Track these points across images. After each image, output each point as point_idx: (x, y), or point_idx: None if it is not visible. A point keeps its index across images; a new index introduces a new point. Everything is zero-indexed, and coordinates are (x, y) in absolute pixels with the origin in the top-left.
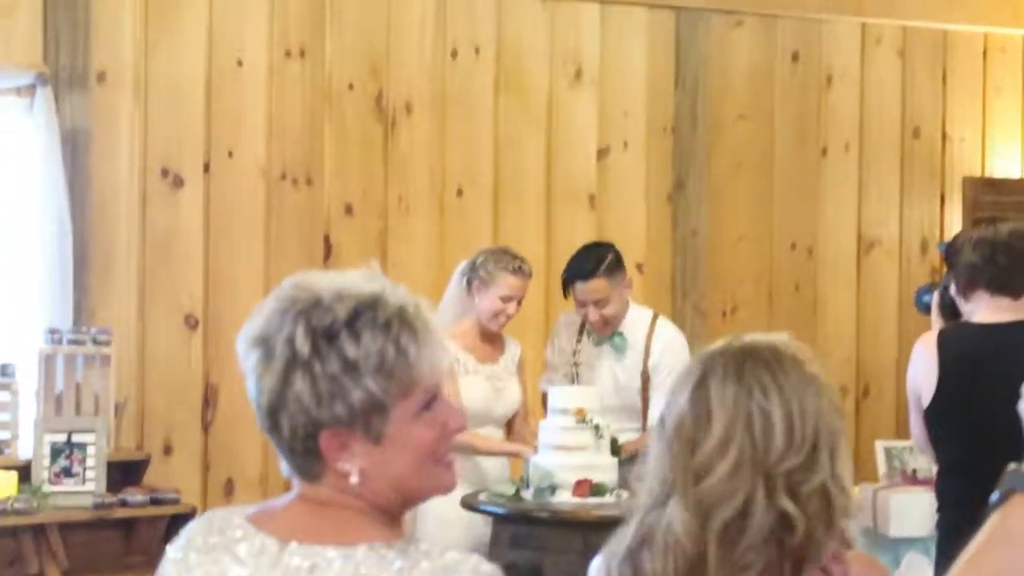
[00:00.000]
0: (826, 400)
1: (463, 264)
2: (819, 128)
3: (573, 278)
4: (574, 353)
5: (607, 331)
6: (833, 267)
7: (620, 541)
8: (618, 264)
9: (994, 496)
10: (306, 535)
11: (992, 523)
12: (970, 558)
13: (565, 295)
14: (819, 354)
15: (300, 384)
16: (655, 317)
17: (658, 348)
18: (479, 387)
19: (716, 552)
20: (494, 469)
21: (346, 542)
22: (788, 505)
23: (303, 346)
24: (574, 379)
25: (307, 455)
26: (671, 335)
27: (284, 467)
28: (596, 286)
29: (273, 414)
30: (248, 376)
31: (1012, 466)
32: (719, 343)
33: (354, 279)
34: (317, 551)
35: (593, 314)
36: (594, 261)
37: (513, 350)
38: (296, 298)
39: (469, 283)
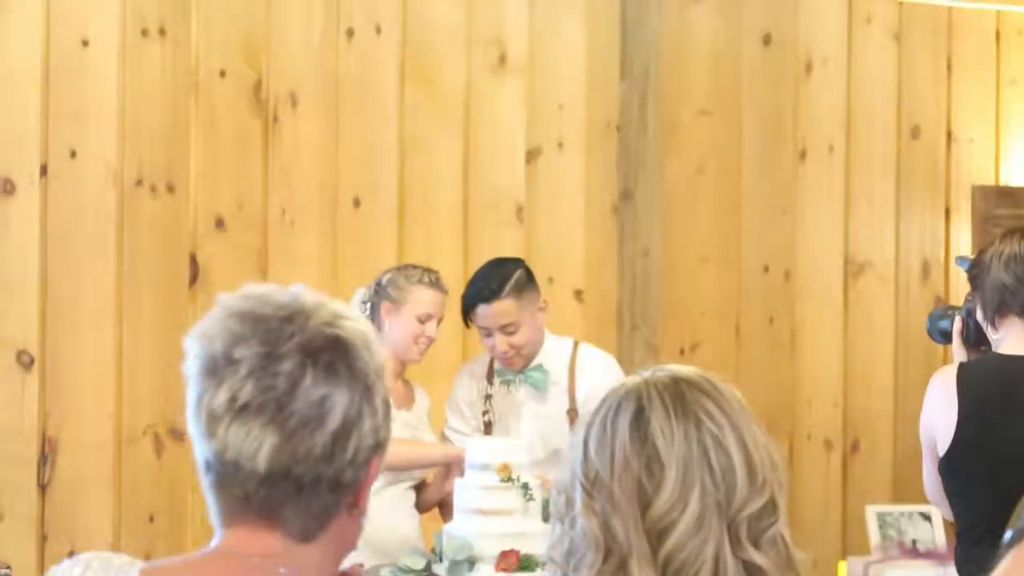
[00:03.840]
0: (767, 435)
1: (362, 291)
2: (797, 126)
3: (474, 301)
4: (486, 399)
5: (519, 364)
6: (815, 295)
7: None
8: (529, 282)
9: (1007, 535)
10: None
11: (1004, 568)
12: None
13: (466, 322)
14: (799, 400)
15: (375, 396)
16: (576, 344)
17: (586, 378)
18: (396, 436)
19: None
20: (400, 535)
21: None
22: (758, 557)
23: (368, 359)
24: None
25: (336, 491)
26: (600, 361)
27: (217, 524)
28: (502, 309)
29: (341, 438)
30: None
31: None
32: (640, 375)
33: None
34: None
35: (501, 343)
36: (499, 279)
37: (423, 399)
38: (300, 309)
39: (374, 309)
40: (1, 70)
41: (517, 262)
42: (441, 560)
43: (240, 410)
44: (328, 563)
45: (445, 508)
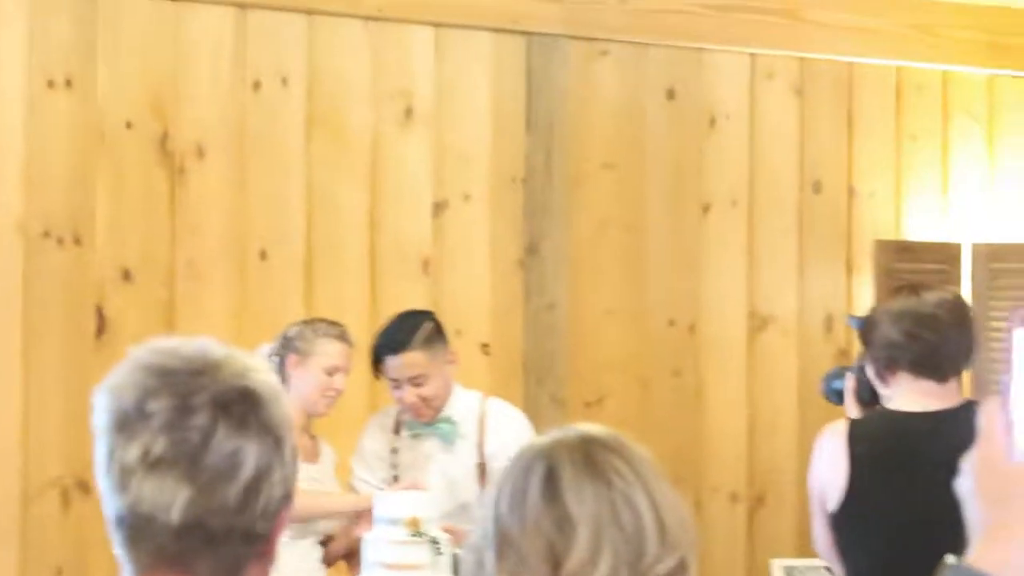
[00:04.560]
0: (677, 495)
1: (267, 347)
2: (700, 180)
3: (383, 352)
4: (392, 452)
5: (428, 415)
6: (719, 348)
7: None
8: (438, 335)
9: None
10: None
11: None
12: None
13: (376, 374)
14: (705, 453)
15: (285, 448)
16: (485, 398)
17: (495, 433)
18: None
19: None
20: None
21: None
22: None
23: (277, 411)
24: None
25: (248, 543)
26: (509, 416)
27: None
28: (411, 360)
29: (254, 490)
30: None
31: (951, 560)
32: (549, 435)
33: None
34: None
35: (409, 395)
36: (407, 331)
37: (328, 453)
38: (210, 362)
39: (281, 362)
40: None
41: (426, 314)
42: None
43: (153, 464)
44: None
45: (352, 561)
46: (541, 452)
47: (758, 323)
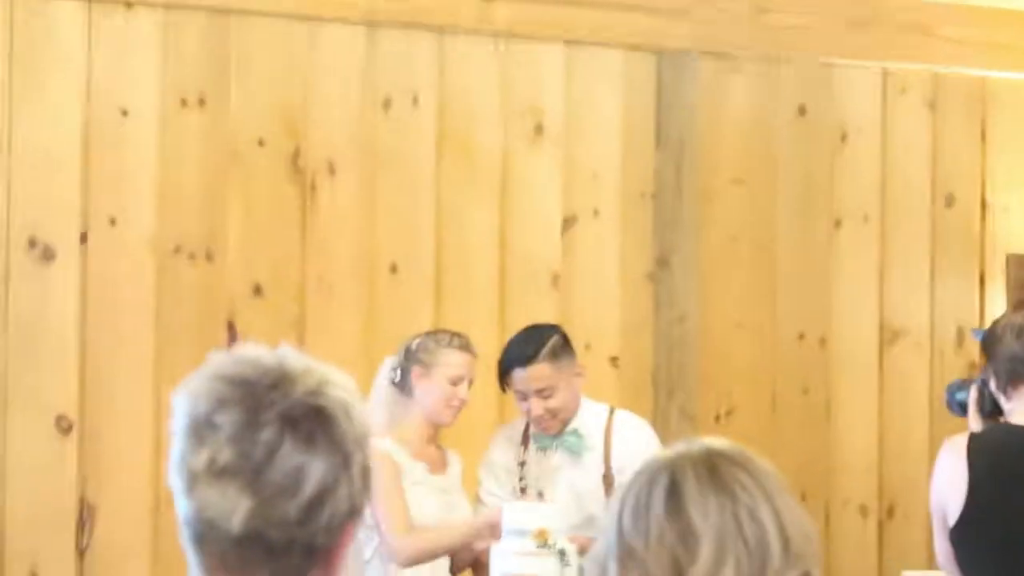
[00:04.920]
0: (801, 508)
1: (390, 360)
2: (832, 195)
3: (511, 365)
4: (521, 466)
5: (555, 428)
6: (850, 362)
7: None
8: (564, 347)
9: None
10: None
11: None
12: None
13: (503, 387)
14: (834, 466)
15: (354, 467)
16: (612, 410)
17: (621, 444)
18: (430, 501)
19: None
20: None
21: None
22: None
23: (348, 428)
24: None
25: (309, 556)
26: (635, 426)
27: None
28: (538, 373)
29: (316, 505)
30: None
31: None
32: (673, 448)
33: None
34: None
35: (536, 407)
36: (535, 344)
37: (456, 463)
38: (285, 376)
39: (404, 375)
40: (43, 139)
41: (554, 328)
42: None
43: (218, 473)
44: None
45: (480, 571)
46: (665, 465)
47: (889, 336)
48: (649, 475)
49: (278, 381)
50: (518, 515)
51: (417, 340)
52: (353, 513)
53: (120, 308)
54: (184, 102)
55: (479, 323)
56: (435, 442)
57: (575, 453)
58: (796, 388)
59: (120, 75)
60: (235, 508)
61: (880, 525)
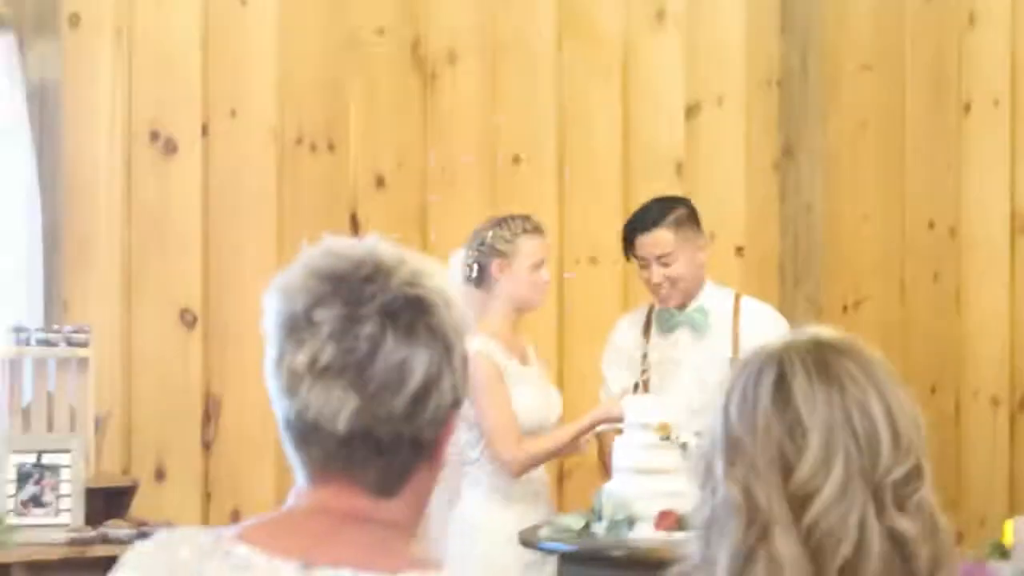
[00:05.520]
0: (911, 398)
1: (461, 254)
2: (961, 79)
3: (634, 229)
4: (644, 357)
5: (675, 300)
6: (981, 251)
7: None
8: (690, 218)
9: None
10: (346, 558)
11: None
12: None
13: (627, 254)
14: (965, 357)
15: (454, 355)
16: (738, 295)
17: (749, 325)
18: (529, 394)
19: None
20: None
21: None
22: (903, 523)
23: (447, 317)
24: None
25: (416, 449)
26: (763, 312)
27: (303, 481)
28: (659, 238)
29: (422, 398)
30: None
31: None
32: (783, 338)
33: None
34: None
35: (656, 274)
36: (659, 211)
37: (532, 350)
38: (380, 267)
39: (482, 270)
40: (162, 31)
41: (682, 199)
42: (600, 520)
43: (321, 372)
44: (413, 514)
45: (605, 466)
46: (772, 356)
47: (1021, 224)
48: (756, 366)
49: (373, 273)
50: (641, 408)
51: (488, 232)
52: (456, 404)
53: (242, 200)
54: None
55: (603, 213)
56: (516, 333)
57: (698, 331)
58: (926, 278)
59: None
60: (341, 407)
61: (1012, 417)
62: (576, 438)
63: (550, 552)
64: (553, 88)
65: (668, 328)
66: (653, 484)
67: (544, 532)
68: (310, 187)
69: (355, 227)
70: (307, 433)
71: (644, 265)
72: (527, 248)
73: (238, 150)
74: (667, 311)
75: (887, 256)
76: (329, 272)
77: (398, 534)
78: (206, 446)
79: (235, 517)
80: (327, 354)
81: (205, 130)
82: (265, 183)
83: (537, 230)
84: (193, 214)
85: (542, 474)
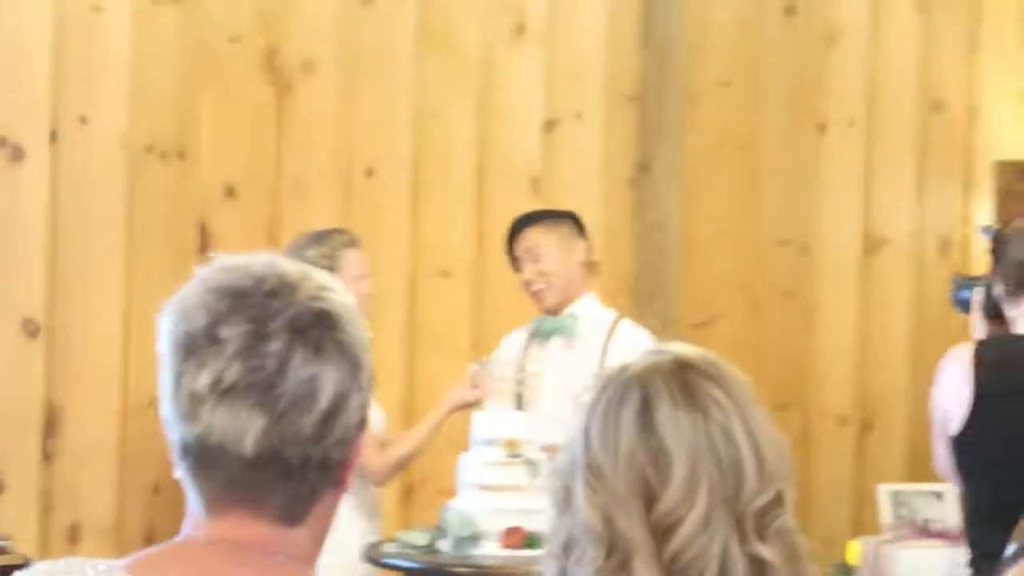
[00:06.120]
0: (772, 422)
1: None
2: (818, 98)
3: (512, 231)
4: (520, 369)
5: (550, 300)
6: (833, 269)
7: None
8: (566, 222)
9: (1009, 549)
10: None
11: None
12: None
13: (511, 263)
14: (814, 375)
15: (362, 372)
16: (620, 318)
17: (619, 347)
18: (374, 404)
19: None
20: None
21: None
22: (765, 551)
23: (355, 333)
24: (520, 401)
25: (324, 473)
26: (637, 336)
27: (199, 511)
28: (531, 234)
29: (331, 418)
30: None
31: None
32: (643, 359)
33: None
34: None
35: (529, 270)
36: (539, 214)
37: None
38: (284, 282)
39: None
40: (12, 35)
41: (568, 212)
42: (446, 536)
43: (225, 392)
44: (315, 543)
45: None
46: (635, 379)
47: (873, 244)
48: (619, 389)
49: (278, 288)
50: (488, 424)
51: (309, 249)
52: (362, 425)
53: (90, 209)
54: None
55: (457, 227)
56: None
57: (568, 337)
58: (778, 296)
59: None
60: (248, 428)
61: (858, 436)
62: (434, 431)
63: (395, 569)
64: (410, 100)
65: (543, 336)
66: (499, 501)
67: (389, 548)
68: (160, 196)
69: (204, 237)
70: (209, 458)
71: (519, 267)
72: (349, 262)
73: (87, 158)
74: (543, 320)
75: (741, 273)
76: (230, 288)
77: (300, 566)
78: (46, 459)
79: (74, 531)
80: (232, 373)
81: (54, 137)
82: (114, 192)
83: (355, 243)
84: (40, 222)
85: (380, 488)
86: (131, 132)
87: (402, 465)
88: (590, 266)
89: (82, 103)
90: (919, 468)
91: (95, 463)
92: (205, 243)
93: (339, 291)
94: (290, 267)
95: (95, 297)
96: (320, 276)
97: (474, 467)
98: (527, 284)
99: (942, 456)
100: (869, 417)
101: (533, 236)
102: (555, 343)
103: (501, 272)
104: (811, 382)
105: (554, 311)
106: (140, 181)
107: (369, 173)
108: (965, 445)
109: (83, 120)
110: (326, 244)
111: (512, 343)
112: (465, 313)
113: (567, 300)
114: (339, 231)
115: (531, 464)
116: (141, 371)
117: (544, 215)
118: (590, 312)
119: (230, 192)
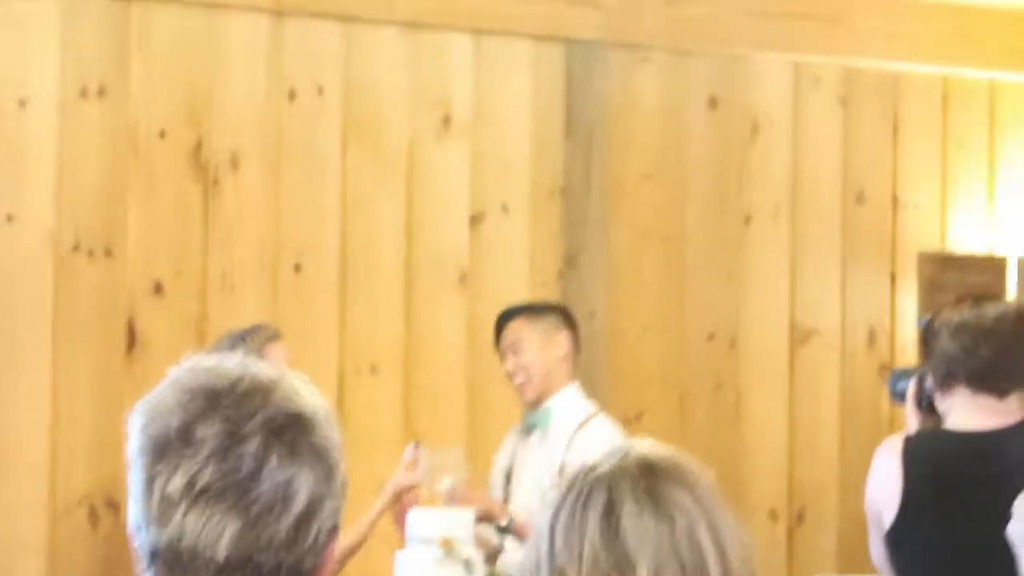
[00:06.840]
0: (737, 523)
1: None
2: (742, 190)
3: (497, 324)
4: (504, 469)
5: (529, 393)
6: (760, 363)
7: None
8: (551, 315)
9: None
10: None
11: None
12: None
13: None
14: (744, 469)
15: (336, 477)
16: (596, 412)
17: (584, 441)
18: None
19: None
20: None
21: None
22: None
23: (330, 436)
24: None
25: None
26: (604, 433)
27: None
28: (513, 327)
29: (305, 522)
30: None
31: None
32: (607, 460)
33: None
34: None
35: (509, 362)
36: (524, 306)
37: None
38: (258, 384)
39: None
40: None
41: (557, 305)
42: None
43: (199, 494)
44: None
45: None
46: (600, 481)
47: (800, 336)
48: (584, 491)
49: (252, 389)
50: (423, 523)
51: (237, 347)
52: (334, 531)
53: (16, 308)
54: (84, 92)
55: (384, 321)
56: None
57: (543, 430)
58: (707, 389)
59: (17, 63)
60: (221, 532)
61: (790, 530)
62: (376, 521)
63: None
64: (337, 194)
65: (526, 431)
66: None
67: None
68: (86, 294)
69: (132, 335)
70: (180, 564)
71: (503, 358)
72: (275, 356)
73: (13, 255)
74: (526, 414)
75: (668, 367)
76: (205, 388)
77: None
78: None
79: None
80: (207, 475)
81: None
82: (40, 289)
83: (278, 335)
84: None
85: None
86: (58, 230)
87: (345, 557)
88: (574, 359)
89: (8, 200)
90: (850, 560)
91: (23, 564)
92: (133, 342)
93: (313, 394)
94: (264, 369)
95: (22, 395)
96: (294, 378)
97: (411, 566)
98: (508, 377)
99: (877, 549)
100: (800, 510)
101: (515, 329)
102: (534, 437)
103: (431, 366)
104: (741, 476)
105: (534, 404)
106: (66, 279)
107: (297, 268)
108: (897, 540)
109: (9, 218)
110: (251, 341)
111: (507, 438)
112: (395, 410)
113: (546, 393)
114: (261, 327)
115: (466, 564)
116: (69, 472)
117: (528, 308)
118: (565, 406)
119: (158, 289)
